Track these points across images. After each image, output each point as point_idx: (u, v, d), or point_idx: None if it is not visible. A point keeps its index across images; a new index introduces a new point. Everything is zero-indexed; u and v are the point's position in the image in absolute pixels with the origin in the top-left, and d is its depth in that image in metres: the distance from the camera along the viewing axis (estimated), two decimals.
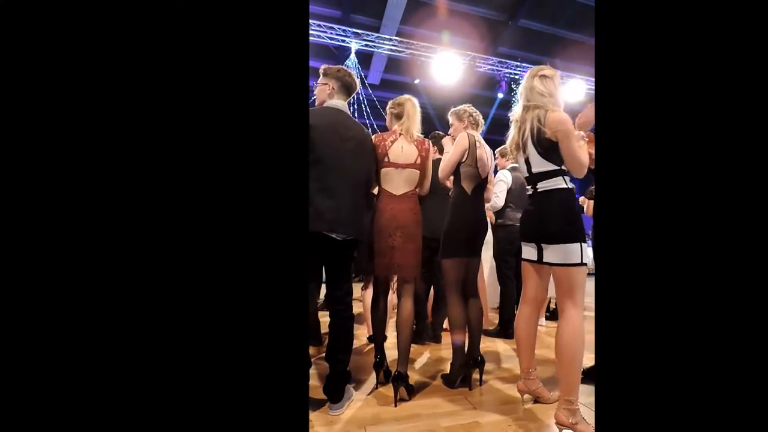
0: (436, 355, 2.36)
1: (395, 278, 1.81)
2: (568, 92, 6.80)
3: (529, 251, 1.56)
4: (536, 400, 1.65)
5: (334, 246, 1.54)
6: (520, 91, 1.61)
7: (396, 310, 1.79)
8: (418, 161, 1.75)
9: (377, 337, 1.83)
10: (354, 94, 1.76)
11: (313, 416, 1.53)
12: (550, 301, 3.31)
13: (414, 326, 2.55)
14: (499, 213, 2.83)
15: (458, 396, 1.74)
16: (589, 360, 1.48)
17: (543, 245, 1.48)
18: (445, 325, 2.64)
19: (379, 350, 1.81)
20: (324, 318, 2.89)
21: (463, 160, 1.83)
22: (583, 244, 1.44)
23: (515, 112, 1.60)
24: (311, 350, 2.35)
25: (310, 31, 5.88)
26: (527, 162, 1.54)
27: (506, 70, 7.22)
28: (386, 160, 1.74)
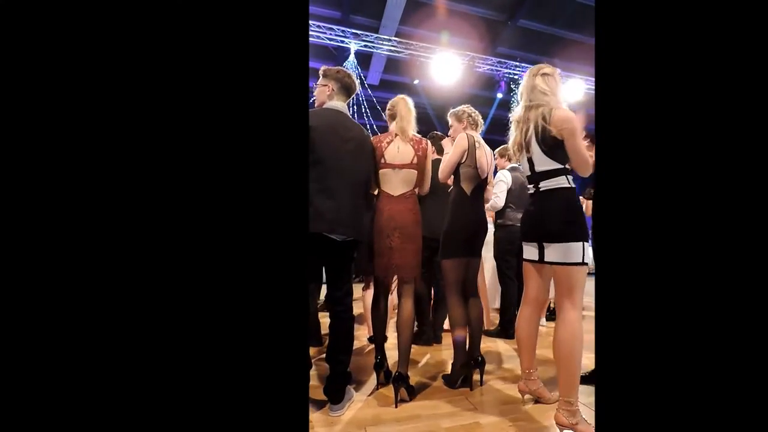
0: (436, 355, 2.36)
1: (395, 279, 1.81)
2: (568, 92, 6.80)
3: (530, 251, 1.55)
4: (537, 401, 1.65)
5: (334, 247, 1.54)
6: (521, 91, 1.60)
7: (396, 311, 1.79)
8: (415, 161, 1.75)
9: (378, 338, 1.83)
10: (353, 95, 1.77)
11: (314, 417, 1.52)
12: (550, 302, 3.31)
13: (416, 327, 2.57)
14: (500, 213, 2.83)
15: (459, 396, 1.74)
16: (588, 360, 1.47)
17: (544, 244, 1.47)
18: (446, 325, 2.64)
19: (380, 351, 1.81)
20: (324, 318, 2.89)
21: (463, 160, 1.83)
22: (585, 243, 1.43)
23: (516, 113, 1.60)
24: (311, 351, 2.35)
25: (310, 32, 5.88)
26: (530, 161, 1.53)
27: (505, 71, 7.22)
28: (383, 161, 1.75)
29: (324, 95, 1.68)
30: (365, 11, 6.75)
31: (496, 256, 2.90)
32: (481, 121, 2.03)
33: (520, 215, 2.72)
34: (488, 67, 7.15)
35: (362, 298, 2.66)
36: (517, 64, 7.20)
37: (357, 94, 1.78)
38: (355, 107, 6.54)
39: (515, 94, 7.23)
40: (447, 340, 2.54)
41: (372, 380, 1.90)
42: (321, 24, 6.17)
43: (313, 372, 1.99)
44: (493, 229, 2.90)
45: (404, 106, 1.80)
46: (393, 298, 2.01)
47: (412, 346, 1.81)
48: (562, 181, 1.47)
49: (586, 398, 1.58)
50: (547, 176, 1.48)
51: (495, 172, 2.68)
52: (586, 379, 1.78)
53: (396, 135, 1.77)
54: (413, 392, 1.71)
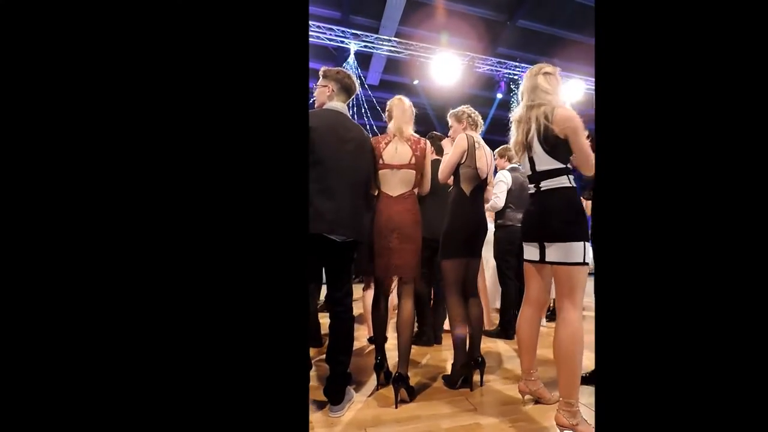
0: (436, 356, 2.36)
1: (395, 279, 1.81)
2: (568, 92, 6.80)
3: (531, 251, 1.55)
4: (537, 401, 1.65)
5: (334, 247, 1.54)
6: (522, 91, 1.59)
7: (396, 311, 1.79)
8: (413, 161, 1.74)
9: (378, 339, 1.83)
10: (353, 96, 1.77)
11: (314, 418, 1.52)
12: (550, 302, 3.31)
13: (416, 328, 2.56)
14: (500, 213, 2.83)
15: (459, 397, 1.73)
16: (588, 360, 1.47)
17: (546, 244, 1.47)
18: (446, 326, 2.64)
19: (380, 351, 1.81)
20: (324, 319, 2.89)
21: (463, 161, 1.83)
22: (587, 243, 1.42)
23: (517, 112, 1.59)
24: (311, 352, 2.35)
25: (310, 32, 5.88)
26: (531, 160, 1.52)
27: (505, 71, 7.23)
28: (381, 162, 1.75)
29: (324, 96, 1.68)
30: (365, 12, 6.75)
31: (496, 257, 2.90)
32: (481, 121, 2.02)
33: (520, 215, 2.73)
34: (488, 67, 7.15)
35: (362, 298, 2.66)
36: (517, 64, 7.20)
37: (357, 95, 1.78)
38: (354, 108, 6.55)
39: (515, 94, 7.29)
40: (447, 340, 2.54)
41: (372, 381, 1.89)
42: (321, 24, 6.17)
43: (312, 373, 1.98)
44: (493, 230, 2.89)
45: (399, 106, 1.80)
46: (393, 299, 2.01)
47: (412, 346, 1.81)
48: (564, 181, 1.46)
49: (586, 399, 1.58)
50: (549, 176, 1.48)
51: (495, 172, 2.68)
52: (586, 380, 1.78)
53: (394, 135, 1.77)
54: (413, 393, 1.70)
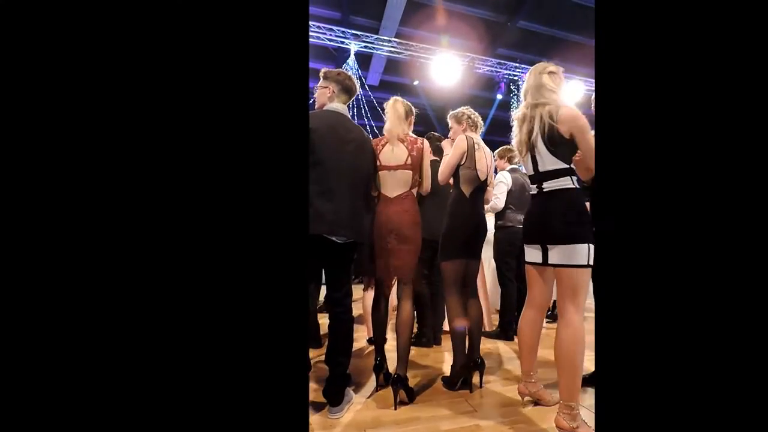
0: (436, 357, 2.36)
1: (395, 280, 1.81)
2: (568, 93, 6.81)
3: (533, 254, 1.52)
4: (537, 403, 1.64)
5: (334, 248, 1.54)
6: (525, 89, 1.56)
7: (396, 312, 1.78)
8: (409, 162, 1.74)
9: (377, 340, 1.82)
10: (354, 97, 1.77)
11: (313, 419, 1.52)
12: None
13: (417, 329, 2.56)
14: (500, 214, 2.82)
15: (459, 398, 1.73)
16: (589, 360, 1.46)
17: (548, 246, 1.44)
18: (445, 327, 2.64)
19: (380, 352, 1.80)
20: (323, 320, 2.88)
21: (462, 162, 1.83)
22: (591, 245, 1.39)
23: (519, 111, 1.56)
24: (311, 353, 2.34)
25: (310, 33, 5.88)
26: (534, 160, 1.49)
27: (505, 72, 7.23)
28: (379, 163, 1.76)
29: (324, 97, 1.68)
30: (365, 12, 6.76)
31: (496, 258, 2.90)
32: (481, 122, 2.02)
33: (520, 216, 2.73)
34: (488, 68, 7.16)
35: (362, 299, 2.65)
36: (517, 65, 7.21)
37: (357, 95, 1.77)
38: (355, 108, 6.55)
39: (515, 95, 7.29)
40: (446, 342, 2.54)
41: (371, 382, 1.89)
42: (321, 25, 6.18)
43: (311, 374, 1.98)
44: (493, 230, 2.89)
45: (392, 108, 1.81)
46: (393, 300, 2.01)
47: (412, 348, 1.80)
48: (567, 182, 1.44)
49: (586, 401, 1.58)
50: (552, 176, 1.45)
51: (495, 173, 2.68)
52: (586, 381, 1.78)
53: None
54: (413, 394, 1.70)
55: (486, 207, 2.13)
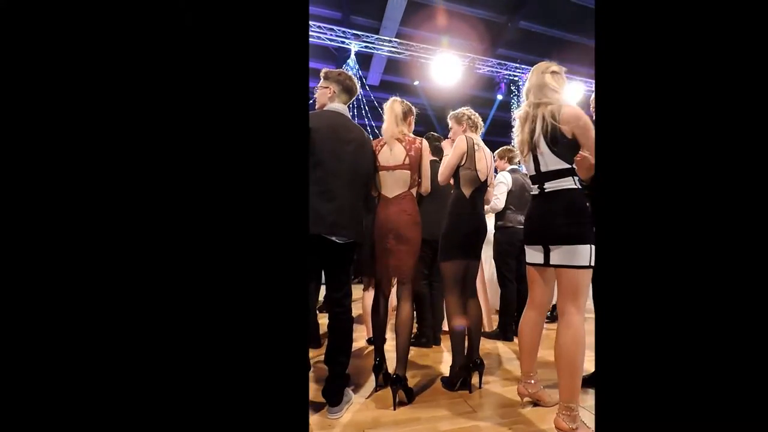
0: (435, 358, 2.36)
1: (395, 281, 1.81)
2: (569, 94, 6.81)
3: (534, 255, 1.51)
4: (536, 404, 1.64)
5: (334, 249, 1.54)
6: (527, 88, 1.55)
7: (395, 313, 1.79)
8: (407, 161, 1.74)
9: (377, 340, 1.82)
10: (354, 97, 1.77)
11: (312, 419, 1.52)
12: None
13: (416, 330, 2.56)
14: (500, 215, 2.82)
15: (458, 399, 1.73)
16: (589, 360, 1.46)
17: (550, 247, 1.43)
18: (445, 327, 2.64)
19: (379, 353, 1.80)
20: (323, 319, 2.88)
21: (462, 163, 1.83)
22: (593, 246, 1.37)
23: (521, 110, 1.55)
24: (310, 352, 2.34)
25: (310, 33, 5.89)
26: (536, 160, 1.48)
27: (505, 72, 7.24)
28: (378, 164, 1.76)
29: (325, 97, 1.68)
30: (366, 12, 6.77)
31: (495, 258, 2.90)
32: (481, 123, 2.02)
33: (520, 217, 2.74)
34: (488, 68, 7.16)
35: (362, 299, 2.65)
36: (518, 65, 7.21)
37: (357, 95, 1.77)
38: (355, 108, 6.55)
39: (515, 95, 7.30)
40: (446, 342, 2.54)
41: (371, 382, 1.89)
42: (321, 25, 6.18)
43: (311, 374, 1.98)
44: (493, 231, 2.89)
45: (389, 108, 1.81)
46: (393, 300, 2.02)
47: (411, 348, 1.80)
48: (569, 182, 1.43)
49: (585, 401, 1.58)
50: (554, 176, 1.44)
51: (495, 173, 2.68)
52: (585, 382, 1.77)
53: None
54: (412, 395, 1.70)
55: (486, 207, 2.13)
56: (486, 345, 2.58)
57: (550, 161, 1.45)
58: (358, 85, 1.76)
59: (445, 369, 2.01)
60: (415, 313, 2.52)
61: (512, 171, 2.88)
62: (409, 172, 1.75)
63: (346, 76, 1.70)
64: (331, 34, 6.25)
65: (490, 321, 2.98)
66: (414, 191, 1.79)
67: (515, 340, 2.68)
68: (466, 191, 1.83)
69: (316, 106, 1.74)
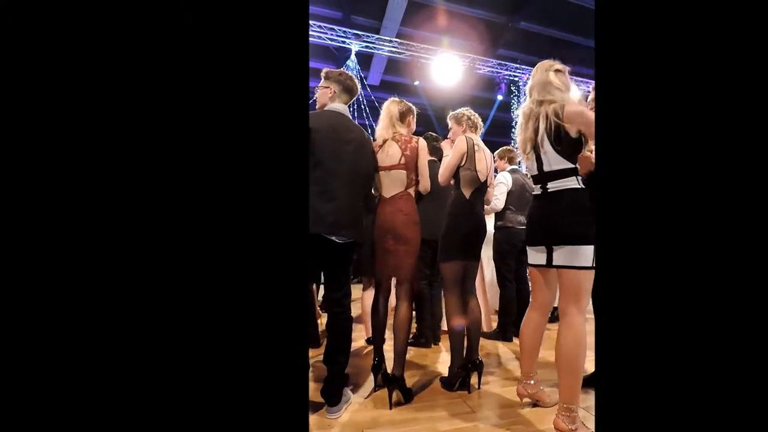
0: (434, 358, 2.36)
1: (394, 281, 1.81)
2: (573, 92, 6.80)
3: (537, 256, 1.49)
4: (535, 404, 1.64)
5: (334, 249, 1.54)
6: (531, 86, 1.53)
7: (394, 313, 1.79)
8: (403, 161, 1.74)
9: (376, 340, 1.82)
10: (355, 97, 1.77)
11: (311, 419, 1.52)
12: None
13: (416, 330, 2.56)
14: (499, 215, 2.82)
15: (457, 399, 1.73)
16: (589, 360, 1.45)
17: (553, 247, 1.41)
18: (444, 326, 2.64)
19: (378, 353, 1.80)
20: (322, 319, 2.88)
21: (462, 163, 1.83)
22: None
23: (525, 107, 1.52)
24: (309, 352, 2.34)
25: (311, 33, 5.88)
26: (539, 160, 1.46)
27: (506, 72, 7.24)
28: (377, 164, 1.77)
29: (326, 97, 1.68)
30: (366, 12, 6.77)
31: (495, 259, 2.90)
32: (481, 123, 2.02)
33: (520, 217, 2.74)
34: (488, 68, 7.16)
35: (361, 299, 2.65)
36: (518, 66, 7.21)
37: (357, 95, 1.78)
38: (355, 108, 6.55)
39: (515, 96, 7.30)
40: (445, 342, 2.54)
41: (370, 382, 1.89)
42: (322, 24, 6.18)
43: (310, 373, 1.98)
44: (493, 231, 2.89)
45: (384, 109, 1.82)
46: (393, 300, 2.02)
47: (411, 348, 1.81)
48: (572, 182, 1.41)
49: (585, 402, 1.57)
50: (557, 176, 1.42)
51: (495, 173, 2.68)
52: (585, 382, 1.77)
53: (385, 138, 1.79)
54: (410, 395, 1.70)
55: (486, 208, 2.13)
56: (485, 345, 2.58)
57: (554, 160, 1.43)
58: (359, 85, 1.76)
59: (444, 369, 2.01)
60: (414, 313, 2.53)
61: (512, 171, 2.88)
62: (405, 171, 1.74)
63: (346, 76, 1.70)
64: (331, 34, 6.25)
65: (489, 321, 2.98)
66: (411, 191, 1.78)
67: (515, 340, 2.68)
68: (466, 192, 1.83)
69: (317, 106, 1.74)
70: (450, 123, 2.05)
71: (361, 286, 2.67)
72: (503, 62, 7.18)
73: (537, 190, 1.51)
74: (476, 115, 2.01)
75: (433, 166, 2.20)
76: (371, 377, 1.89)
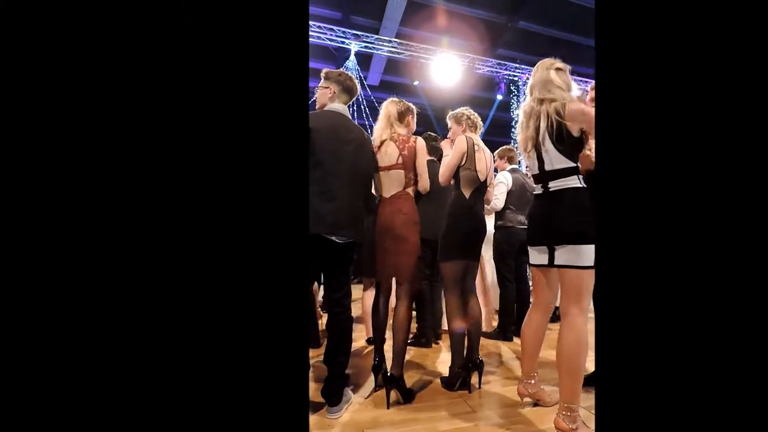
0: (435, 358, 2.36)
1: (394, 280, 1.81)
2: (574, 91, 6.81)
3: (539, 256, 1.48)
4: (536, 404, 1.64)
5: (334, 249, 1.54)
6: (532, 84, 1.52)
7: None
8: (400, 161, 1.74)
9: (377, 340, 1.82)
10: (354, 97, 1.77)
11: (311, 419, 1.52)
12: None
13: (417, 330, 2.56)
14: (499, 215, 2.82)
15: (457, 399, 1.73)
16: (589, 360, 1.45)
17: (555, 247, 1.41)
18: (444, 326, 2.64)
19: (379, 353, 1.80)
20: (322, 319, 2.88)
21: (462, 163, 1.83)
22: None
23: (526, 105, 1.51)
24: (310, 352, 2.34)
25: (310, 33, 5.88)
26: (540, 159, 1.45)
27: (505, 72, 7.23)
28: (377, 164, 1.78)
29: (325, 97, 1.68)
30: (365, 12, 6.77)
31: (495, 258, 2.90)
32: (480, 123, 2.02)
33: (520, 217, 2.74)
34: (488, 68, 7.16)
35: (361, 299, 2.65)
36: (517, 65, 7.21)
37: (357, 95, 1.78)
38: (355, 108, 6.55)
39: (515, 95, 7.30)
40: (446, 341, 2.54)
41: (370, 382, 1.89)
42: (321, 25, 6.18)
43: (310, 374, 1.98)
44: (493, 231, 2.89)
45: (383, 109, 1.83)
46: (394, 300, 2.02)
47: (411, 348, 1.81)
48: (574, 181, 1.40)
49: (585, 401, 1.57)
50: (558, 176, 1.42)
51: (495, 173, 2.68)
52: (585, 381, 1.77)
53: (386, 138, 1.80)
54: (409, 395, 1.70)
55: (486, 207, 2.13)
56: (486, 345, 2.58)
57: (556, 159, 1.42)
58: (359, 86, 1.76)
59: (445, 369, 2.01)
60: (415, 313, 2.53)
61: (512, 171, 2.88)
62: (403, 171, 1.74)
63: (346, 77, 1.70)
64: (330, 34, 6.24)
65: (490, 321, 2.98)
66: (410, 190, 1.78)
67: (515, 339, 2.68)
68: (466, 191, 1.83)
69: (317, 106, 1.74)
70: (450, 123, 2.05)
71: (361, 286, 2.68)
72: (503, 62, 7.18)
73: (538, 189, 1.50)
74: (476, 114, 2.01)
75: (433, 166, 2.20)
76: (372, 377, 1.90)
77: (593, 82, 1.30)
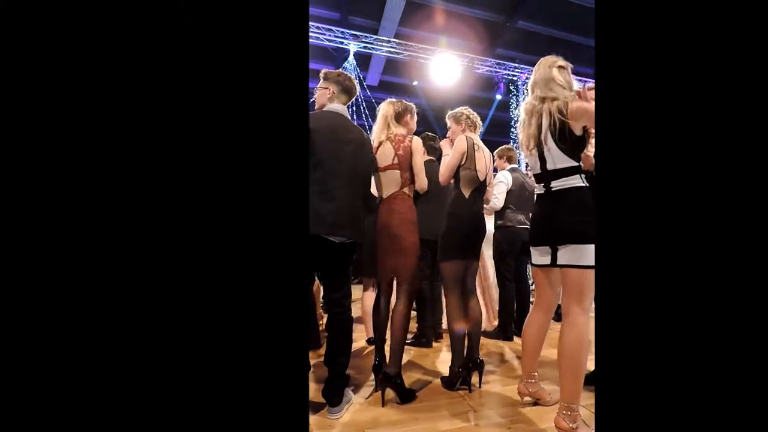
0: (435, 357, 2.36)
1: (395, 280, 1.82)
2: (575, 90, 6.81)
3: (541, 256, 1.47)
4: (536, 403, 1.64)
5: (334, 249, 1.54)
6: (533, 81, 1.50)
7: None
8: (396, 161, 1.74)
9: (377, 340, 1.83)
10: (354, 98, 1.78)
11: (312, 419, 1.52)
12: None
13: (417, 330, 2.56)
14: (499, 214, 2.82)
15: (458, 398, 1.73)
16: (590, 359, 1.45)
17: (558, 246, 1.40)
18: (444, 325, 2.64)
19: (379, 353, 1.80)
20: (322, 320, 2.88)
21: (462, 163, 1.83)
22: None
23: (528, 103, 1.50)
24: (310, 353, 2.34)
25: (309, 33, 5.88)
26: (542, 158, 1.44)
27: (504, 72, 7.23)
28: (376, 165, 1.78)
29: (325, 98, 1.68)
30: (364, 12, 6.77)
31: (494, 258, 2.90)
32: (480, 122, 2.02)
33: (520, 216, 2.74)
34: (487, 68, 7.16)
35: (361, 299, 2.65)
36: (516, 65, 7.21)
37: (356, 96, 1.78)
38: (354, 108, 6.55)
39: (514, 95, 7.30)
40: (446, 341, 2.54)
41: (370, 382, 1.89)
42: (320, 25, 6.17)
43: (311, 374, 1.98)
44: (493, 230, 2.89)
45: (380, 110, 1.84)
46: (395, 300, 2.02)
47: (411, 348, 1.81)
48: (577, 180, 1.39)
49: (585, 401, 1.58)
50: (560, 175, 1.41)
51: (495, 172, 2.68)
52: (586, 380, 1.77)
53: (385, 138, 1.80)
54: (409, 395, 1.70)
55: (485, 207, 2.13)
56: (486, 344, 2.59)
57: (558, 159, 1.41)
58: (358, 86, 1.76)
59: (445, 368, 2.01)
60: (415, 312, 2.53)
61: (512, 170, 2.88)
62: (399, 171, 1.75)
63: (345, 77, 1.70)
64: (329, 35, 6.24)
65: (491, 320, 2.98)
66: (407, 190, 1.77)
67: (515, 339, 2.68)
68: (466, 191, 1.83)
69: (316, 107, 1.75)
70: (449, 122, 2.05)
71: (361, 286, 2.68)
72: (502, 62, 7.18)
73: (540, 189, 1.49)
74: (475, 114, 2.01)
75: (432, 166, 2.20)
76: (372, 377, 1.90)
77: (593, 82, 1.30)
